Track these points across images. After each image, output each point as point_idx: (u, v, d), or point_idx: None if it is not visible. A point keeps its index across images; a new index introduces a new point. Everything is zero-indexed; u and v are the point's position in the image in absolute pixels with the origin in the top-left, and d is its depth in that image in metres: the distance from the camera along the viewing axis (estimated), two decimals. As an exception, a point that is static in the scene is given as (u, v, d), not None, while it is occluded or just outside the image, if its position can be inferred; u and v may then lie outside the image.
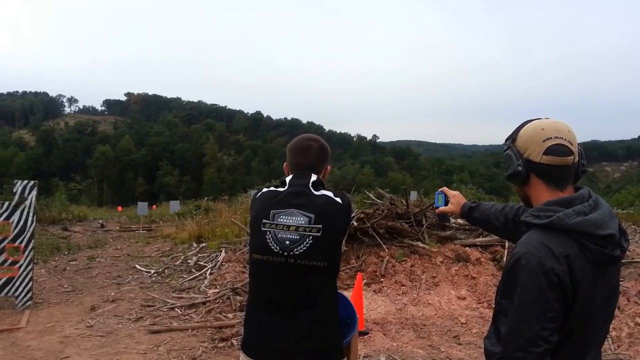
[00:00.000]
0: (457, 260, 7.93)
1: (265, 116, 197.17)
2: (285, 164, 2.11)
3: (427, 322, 6.26)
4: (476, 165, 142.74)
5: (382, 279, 7.48)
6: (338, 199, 1.94)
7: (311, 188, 1.94)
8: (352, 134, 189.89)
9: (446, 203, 2.13)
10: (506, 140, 1.59)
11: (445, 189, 2.18)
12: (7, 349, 5.09)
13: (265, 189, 2.03)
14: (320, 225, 1.85)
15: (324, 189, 1.98)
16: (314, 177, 1.97)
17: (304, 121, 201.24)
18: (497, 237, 6.21)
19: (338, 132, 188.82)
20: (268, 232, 1.87)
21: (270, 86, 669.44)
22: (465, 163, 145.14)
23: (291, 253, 1.83)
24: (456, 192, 2.13)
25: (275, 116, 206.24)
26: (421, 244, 8.18)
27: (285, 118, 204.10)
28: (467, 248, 8.33)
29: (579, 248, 1.35)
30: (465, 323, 6.24)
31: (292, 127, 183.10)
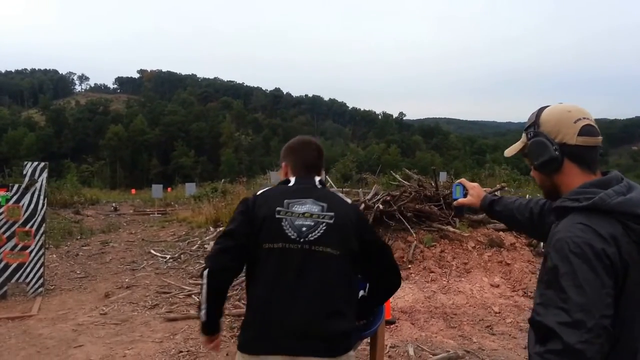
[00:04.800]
0: (490, 246, 7.83)
1: (285, 93, 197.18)
2: (284, 164, 2.25)
3: (457, 311, 6.22)
4: (511, 143, 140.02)
5: (409, 265, 7.43)
6: (347, 199, 2.17)
7: (318, 187, 2.14)
8: (377, 112, 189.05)
9: (465, 195, 2.12)
10: (527, 128, 1.61)
11: (463, 180, 2.19)
12: (19, 337, 5.22)
13: (269, 187, 2.19)
14: (333, 213, 2.01)
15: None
16: (317, 179, 2.16)
17: (326, 98, 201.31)
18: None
19: (362, 109, 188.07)
20: (284, 220, 1.99)
21: (290, 61, 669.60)
22: (500, 142, 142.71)
23: (306, 239, 1.95)
24: (475, 184, 2.14)
25: (295, 93, 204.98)
26: (451, 228, 8.08)
27: (306, 95, 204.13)
28: (500, 232, 8.20)
29: (622, 229, 1.34)
30: (499, 312, 6.18)
31: (313, 104, 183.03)
